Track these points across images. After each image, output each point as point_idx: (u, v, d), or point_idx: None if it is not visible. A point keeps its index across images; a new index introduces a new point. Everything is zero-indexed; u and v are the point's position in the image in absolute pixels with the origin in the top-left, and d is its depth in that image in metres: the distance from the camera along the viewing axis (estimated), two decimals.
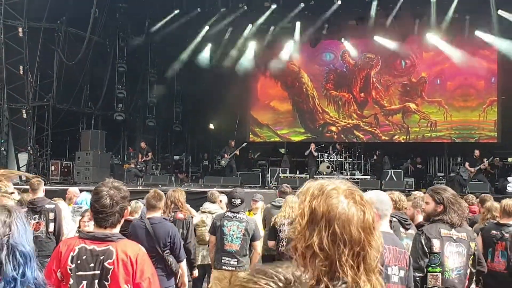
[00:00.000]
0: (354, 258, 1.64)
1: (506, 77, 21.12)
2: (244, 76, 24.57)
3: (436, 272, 4.56)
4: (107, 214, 3.28)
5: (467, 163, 18.36)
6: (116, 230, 3.35)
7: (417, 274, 4.46)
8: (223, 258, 6.78)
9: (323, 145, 22.02)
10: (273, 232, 7.41)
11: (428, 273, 4.60)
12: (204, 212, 8.24)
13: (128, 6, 21.35)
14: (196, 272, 7.08)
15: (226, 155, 21.06)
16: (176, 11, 21.76)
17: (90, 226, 6.26)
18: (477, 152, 18.45)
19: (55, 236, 7.38)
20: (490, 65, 22.16)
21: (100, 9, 19.61)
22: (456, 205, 4.71)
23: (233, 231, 6.77)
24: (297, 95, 24.91)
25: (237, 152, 21.05)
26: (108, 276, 3.15)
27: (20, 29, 18.50)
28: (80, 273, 3.16)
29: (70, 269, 3.17)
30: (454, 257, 4.64)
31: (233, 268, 6.73)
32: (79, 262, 3.18)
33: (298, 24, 22.55)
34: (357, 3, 21.12)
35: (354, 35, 22.96)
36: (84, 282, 3.16)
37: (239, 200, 6.94)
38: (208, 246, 7.33)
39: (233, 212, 6.89)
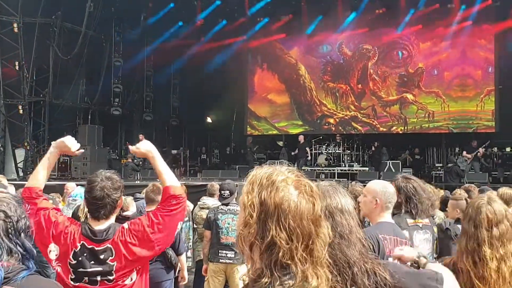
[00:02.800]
0: (304, 251, 1.61)
1: (503, 66, 21.09)
2: (241, 69, 24.56)
3: None
4: (98, 206, 3.27)
5: (464, 151, 18.40)
6: (111, 221, 3.32)
7: None
8: (219, 251, 6.76)
9: (321, 137, 22.02)
10: None
11: None
12: (202, 208, 8.19)
13: (123, 0, 21.24)
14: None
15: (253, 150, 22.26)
16: (171, 4, 21.68)
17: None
18: (474, 142, 18.47)
19: None
20: (487, 55, 22.11)
21: (95, 3, 19.48)
22: (417, 195, 4.64)
23: (228, 224, 6.75)
24: (294, 87, 24.87)
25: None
26: (112, 271, 3.15)
27: (15, 25, 18.42)
28: (81, 269, 3.15)
29: (72, 265, 3.15)
30: (423, 244, 4.63)
31: (231, 261, 6.73)
32: (80, 259, 3.16)
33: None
34: None
35: (350, 26, 22.89)
36: (86, 278, 3.15)
37: (227, 192, 6.94)
38: None
39: (224, 204, 6.87)
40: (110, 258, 3.17)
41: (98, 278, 3.14)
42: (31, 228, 2.13)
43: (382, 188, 3.94)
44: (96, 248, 3.18)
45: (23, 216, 2.10)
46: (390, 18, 22.11)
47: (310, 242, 1.62)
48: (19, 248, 2.04)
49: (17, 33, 18.50)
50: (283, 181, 1.66)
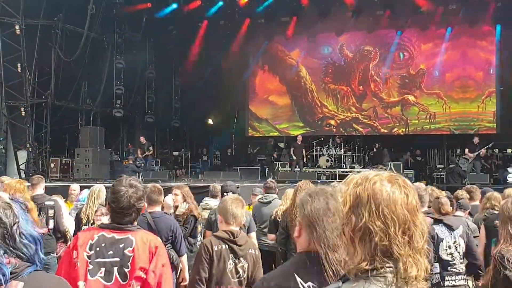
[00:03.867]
0: (403, 237, 1.68)
1: (505, 67, 21.10)
2: (242, 71, 24.61)
3: None
4: (124, 215, 3.35)
5: (467, 149, 18.34)
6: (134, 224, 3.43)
7: None
8: None
9: (322, 139, 22.04)
10: (273, 225, 7.37)
11: None
12: (205, 209, 8.22)
13: (124, 2, 21.28)
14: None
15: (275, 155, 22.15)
16: (174, 6, 21.73)
17: (103, 221, 6.31)
18: (476, 139, 18.48)
19: (55, 232, 7.37)
20: (488, 56, 22.13)
21: (96, 5, 19.53)
22: None
23: None
24: (295, 89, 24.89)
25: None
26: (129, 263, 3.21)
27: (17, 27, 18.44)
28: (98, 260, 3.21)
29: (89, 256, 3.22)
30: None
31: None
32: (98, 249, 3.23)
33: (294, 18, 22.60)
34: None
35: (351, 28, 22.93)
36: (103, 269, 3.20)
37: (230, 193, 6.96)
38: None
39: None
40: (129, 248, 3.23)
41: (115, 270, 3.20)
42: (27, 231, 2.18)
43: None
44: (117, 237, 3.27)
45: (16, 221, 2.15)
46: (391, 20, 22.12)
47: (407, 228, 1.68)
48: (17, 251, 2.12)
49: (19, 35, 18.53)
50: (377, 176, 1.76)
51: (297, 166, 20.28)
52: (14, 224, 2.13)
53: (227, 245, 4.23)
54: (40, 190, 7.62)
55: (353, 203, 1.73)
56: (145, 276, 3.22)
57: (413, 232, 1.69)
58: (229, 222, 4.36)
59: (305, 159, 21.05)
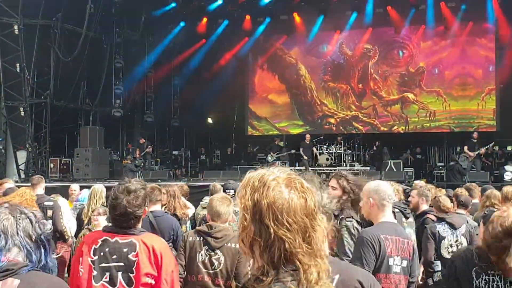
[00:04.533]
0: (304, 244, 1.67)
1: (504, 65, 21.08)
2: (242, 70, 24.59)
3: None
4: (122, 221, 3.37)
5: (465, 147, 18.32)
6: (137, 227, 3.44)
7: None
8: None
9: (322, 137, 22.01)
10: None
11: None
12: (204, 208, 8.19)
13: (123, 1, 21.23)
14: None
15: (272, 153, 21.57)
16: (173, 4, 21.70)
17: (99, 221, 6.32)
18: (475, 134, 18.47)
19: (53, 232, 7.35)
20: (488, 54, 22.13)
21: (95, 5, 19.49)
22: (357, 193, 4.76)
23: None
24: (295, 87, 24.87)
25: (284, 154, 21.59)
26: (133, 268, 3.21)
27: (15, 27, 18.39)
28: (102, 264, 3.22)
29: (93, 261, 3.23)
30: None
31: None
32: (102, 254, 3.25)
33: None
34: None
35: (351, 25, 22.90)
36: (107, 273, 3.21)
37: (232, 191, 6.97)
38: None
39: None
40: (133, 253, 3.23)
41: (119, 274, 3.19)
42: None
43: (374, 187, 3.95)
44: (120, 241, 3.27)
45: (41, 227, 2.32)
46: (391, 18, 22.11)
47: (307, 235, 1.68)
48: (29, 248, 2.27)
49: (17, 35, 18.48)
50: (274, 180, 1.72)
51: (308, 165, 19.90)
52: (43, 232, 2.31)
53: (201, 237, 4.42)
54: (40, 190, 7.62)
55: (252, 210, 1.70)
56: (153, 282, 3.22)
57: (312, 237, 1.69)
58: (213, 219, 4.59)
59: (325, 158, 20.76)
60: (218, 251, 4.38)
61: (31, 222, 2.28)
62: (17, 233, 2.23)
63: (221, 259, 4.37)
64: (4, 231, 2.22)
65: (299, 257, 1.65)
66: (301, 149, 20.36)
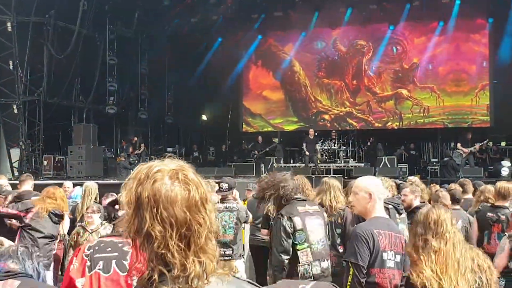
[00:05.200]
0: (182, 240, 1.61)
1: (497, 61, 21.14)
2: (236, 66, 24.58)
3: (304, 248, 4.72)
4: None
5: (458, 144, 18.37)
6: None
7: (284, 257, 4.66)
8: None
9: (316, 134, 22.01)
10: (266, 220, 7.36)
11: (298, 252, 4.74)
12: None
13: None
14: None
15: (256, 151, 21.48)
16: (166, 2, 21.64)
17: (93, 218, 6.32)
18: (469, 135, 18.52)
19: None
20: (481, 50, 22.19)
21: (88, 2, 19.39)
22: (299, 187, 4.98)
23: (225, 222, 6.76)
24: (289, 84, 24.87)
25: (267, 149, 21.57)
26: (127, 256, 3.22)
27: (8, 24, 18.32)
28: (97, 255, 3.23)
29: (87, 255, 3.24)
30: (316, 229, 4.83)
31: (229, 258, 6.73)
32: (96, 248, 3.27)
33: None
34: None
35: (344, 22, 22.90)
36: (101, 262, 3.21)
37: (226, 185, 6.97)
38: None
39: (221, 201, 6.87)
40: (128, 246, 3.22)
41: (113, 262, 3.20)
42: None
43: (371, 181, 3.97)
44: (115, 240, 3.31)
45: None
46: (384, 14, 22.14)
47: (187, 230, 1.61)
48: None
49: (10, 32, 18.40)
50: (159, 172, 1.67)
51: (310, 162, 19.60)
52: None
53: None
54: (27, 187, 7.65)
55: (135, 204, 1.65)
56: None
57: (195, 231, 1.62)
58: None
59: (319, 154, 20.52)
60: None
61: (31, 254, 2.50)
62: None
63: None
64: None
65: (173, 253, 1.59)
66: (304, 145, 19.93)
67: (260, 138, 22.20)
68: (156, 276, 1.60)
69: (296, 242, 4.67)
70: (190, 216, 1.62)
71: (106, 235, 3.53)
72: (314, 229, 4.83)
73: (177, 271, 1.59)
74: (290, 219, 4.72)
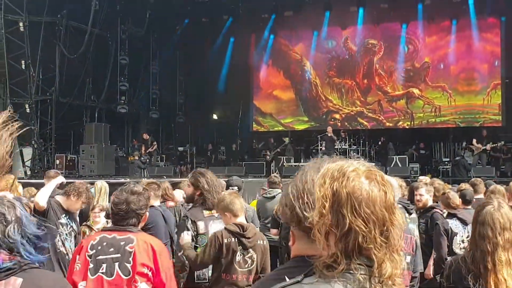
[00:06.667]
0: (381, 238, 1.66)
1: (510, 60, 21.01)
2: (246, 66, 24.60)
3: None
4: (123, 218, 3.40)
5: (474, 140, 18.26)
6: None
7: (185, 257, 4.68)
8: None
9: (327, 133, 21.98)
10: (275, 220, 7.39)
11: None
12: None
13: None
14: None
15: (268, 152, 21.53)
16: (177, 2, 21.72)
17: (100, 217, 6.37)
18: (484, 132, 18.40)
19: None
20: (493, 48, 22.05)
21: (100, 2, 19.52)
22: (211, 191, 4.90)
23: None
24: (299, 83, 24.85)
25: (278, 150, 21.58)
26: (130, 259, 3.23)
27: (21, 24, 18.47)
28: (99, 257, 3.25)
29: (89, 255, 3.26)
30: None
31: None
32: (99, 248, 3.28)
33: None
34: None
35: (355, 21, 22.85)
36: (104, 265, 3.23)
37: (236, 188, 7.00)
38: None
39: None
40: (130, 245, 3.27)
41: (116, 265, 3.22)
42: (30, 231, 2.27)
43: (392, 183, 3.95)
44: (118, 237, 3.31)
45: (18, 219, 2.23)
46: (395, 13, 22.04)
47: (385, 228, 1.67)
48: (18, 246, 2.19)
49: (23, 32, 18.55)
50: (354, 171, 1.71)
51: None
52: (15, 223, 2.20)
53: (236, 238, 4.40)
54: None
55: (332, 201, 1.69)
56: (149, 273, 3.24)
57: (390, 231, 1.68)
58: (237, 215, 4.54)
59: (338, 153, 19.93)
60: (250, 249, 4.44)
61: (22, 221, 2.24)
62: (8, 234, 2.18)
63: (253, 257, 4.43)
64: None
65: (374, 250, 1.64)
66: (323, 143, 19.92)
67: (272, 139, 22.27)
68: (353, 267, 1.64)
69: (197, 245, 4.69)
70: (387, 216, 1.68)
71: (109, 228, 3.49)
72: None
73: (376, 267, 1.64)
74: (194, 222, 4.78)
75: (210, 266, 4.56)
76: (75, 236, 5.60)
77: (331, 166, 1.76)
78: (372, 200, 1.66)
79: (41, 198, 5.25)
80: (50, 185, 5.52)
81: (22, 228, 2.21)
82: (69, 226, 5.55)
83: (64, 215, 5.52)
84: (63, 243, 5.38)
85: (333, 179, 1.71)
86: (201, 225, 4.81)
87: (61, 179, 5.87)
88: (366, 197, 1.66)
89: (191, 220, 4.80)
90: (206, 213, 4.87)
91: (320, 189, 1.72)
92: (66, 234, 5.49)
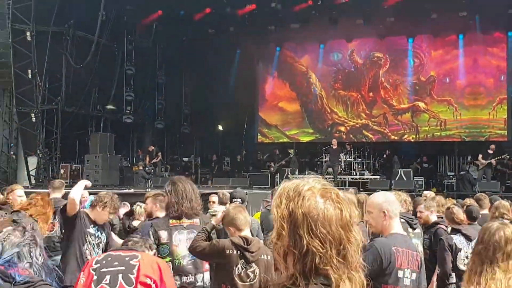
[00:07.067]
0: (338, 256, 1.66)
1: None
2: (252, 77, 24.65)
3: (166, 261, 4.63)
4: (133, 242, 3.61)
5: (480, 155, 18.16)
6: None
7: None
8: None
9: (332, 146, 21.95)
10: None
11: None
12: (213, 215, 8.16)
13: (135, 9, 21.36)
14: None
15: (273, 164, 21.60)
16: (182, 12, 21.80)
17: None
18: (492, 146, 18.31)
19: None
20: (499, 63, 22.04)
21: (107, 12, 19.62)
22: (181, 200, 4.89)
23: None
24: (305, 95, 24.87)
25: (283, 162, 21.64)
26: (134, 270, 3.25)
27: (28, 33, 18.53)
28: (104, 269, 3.27)
29: (94, 269, 3.29)
30: (185, 244, 4.79)
31: None
32: (104, 262, 3.32)
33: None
34: (364, 1, 20.90)
35: (362, 34, 22.89)
36: (108, 276, 3.24)
37: (239, 200, 6.96)
38: None
39: None
40: (135, 260, 3.30)
41: (120, 276, 3.23)
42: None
43: (384, 199, 3.93)
44: (123, 254, 3.36)
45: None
46: (402, 26, 22.06)
47: (342, 247, 1.67)
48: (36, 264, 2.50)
49: (30, 42, 18.61)
50: (309, 190, 1.71)
51: (326, 173, 19.15)
52: (40, 248, 2.58)
53: (239, 251, 4.37)
54: (58, 194, 7.71)
55: (289, 222, 1.69)
56: (153, 285, 3.24)
57: (347, 250, 1.68)
58: (240, 229, 4.54)
59: (342, 165, 20.06)
60: (253, 264, 4.39)
61: (41, 248, 2.55)
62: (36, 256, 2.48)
63: (256, 271, 4.38)
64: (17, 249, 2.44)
65: (331, 270, 1.64)
66: (327, 156, 19.91)
67: (277, 150, 22.28)
68: (311, 286, 1.64)
69: (159, 255, 4.62)
70: (344, 234, 1.68)
71: (115, 249, 3.57)
72: (183, 244, 4.84)
73: (335, 286, 1.64)
74: (156, 231, 4.78)
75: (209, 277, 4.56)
76: (103, 248, 5.63)
77: (287, 185, 1.76)
78: (328, 219, 1.66)
79: (76, 194, 5.35)
80: (80, 185, 5.58)
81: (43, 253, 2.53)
82: (97, 237, 5.61)
83: (92, 225, 5.57)
84: (90, 253, 5.43)
85: (289, 199, 1.71)
86: (163, 234, 4.80)
87: (86, 181, 5.95)
88: (322, 217, 1.66)
89: (154, 228, 4.81)
90: (172, 222, 4.87)
91: (277, 210, 1.73)
92: (94, 245, 5.53)
